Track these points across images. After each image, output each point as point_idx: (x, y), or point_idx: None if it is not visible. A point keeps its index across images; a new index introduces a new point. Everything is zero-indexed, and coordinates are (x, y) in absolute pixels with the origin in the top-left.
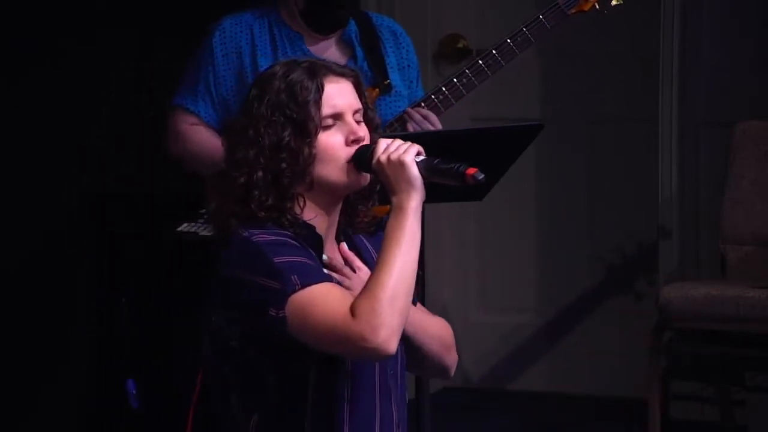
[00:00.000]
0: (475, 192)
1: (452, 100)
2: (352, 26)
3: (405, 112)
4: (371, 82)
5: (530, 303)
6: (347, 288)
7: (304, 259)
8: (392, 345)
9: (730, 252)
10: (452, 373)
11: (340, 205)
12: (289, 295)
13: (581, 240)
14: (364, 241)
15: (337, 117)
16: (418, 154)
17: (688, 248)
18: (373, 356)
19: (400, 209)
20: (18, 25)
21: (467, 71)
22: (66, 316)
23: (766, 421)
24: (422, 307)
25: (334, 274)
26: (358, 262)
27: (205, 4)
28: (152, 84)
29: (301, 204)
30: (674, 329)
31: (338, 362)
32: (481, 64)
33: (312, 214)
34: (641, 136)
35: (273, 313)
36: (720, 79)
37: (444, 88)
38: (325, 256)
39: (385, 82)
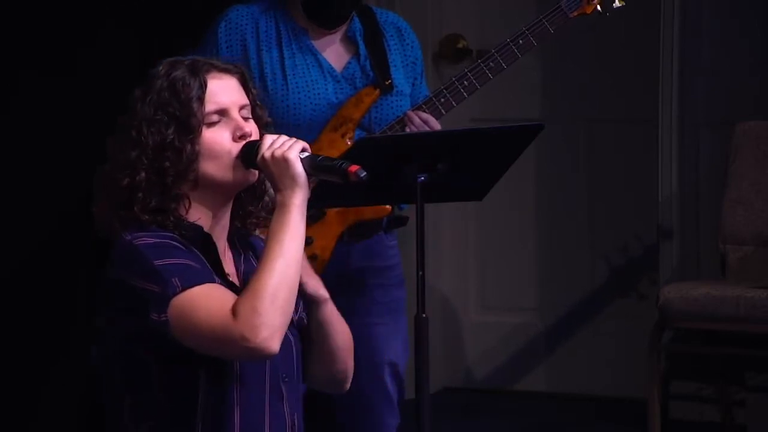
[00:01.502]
0: (474, 192)
1: (453, 102)
2: (357, 23)
3: (405, 115)
4: (373, 81)
5: (530, 303)
6: None
7: (187, 261)
8: (274, 344)
9: (730, 252)
10: (348, 385)
11: (229, 205)
12: (171, 298)
13: (581, 240)
14: (261, 243)
15: (222, 113)
16: (303, 150)
17: (688, 248)
18: (255, 356)
19: (284, 206)
20: (18, 25)
21: (468, 74)
22: (66, 316)
23: (766, 421)
24: (333, 304)
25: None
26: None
27: (207, 4)
28: None
29: (186, 205)
30: (674, 329)
31: (227, 366)
32: (482, 67)
33: (198, 215)
34: (641, 136)
35: (155, 317)
36: (720, 79)
37: (445, 90)
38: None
39: (387, 82)
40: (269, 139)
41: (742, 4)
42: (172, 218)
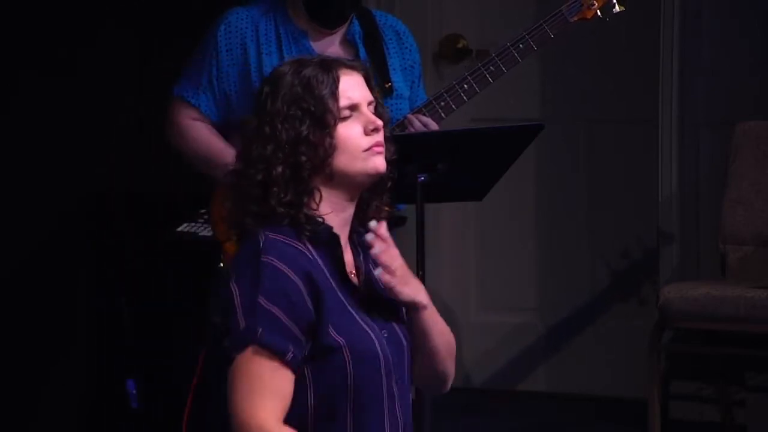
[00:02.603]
0: (474, 192)
1: (453, 106)
2: (356, 26)
3: (405, 118)
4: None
5: (530, 303)
6: (387, 264)
7: (285, 320)
8: None
9: (730, 252)
10: (449, 385)
11: (355, 200)
12: (245, 343)
13: (581, 240)
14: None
15: (354, 108)
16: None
17: (688, 248)
18: None
19: None
20: (18, 25)
21: (469, 77)
22: (66, 316)
23: (766, 421)
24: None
25: (378, 247)
26: (391, 242)
27: (207, 4)
28: (153, 85)
29: (318, 199)
30: (674, 329)
31: (337, 376)
32: (482, 71)
33: (328, 209)
34: (641, 136)
35: (226, 344)
36: (720, 79)
37: (445, 94)
38: (372, 223)
39: (387, 85)
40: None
41: (742, 4)
42: (305, 211)
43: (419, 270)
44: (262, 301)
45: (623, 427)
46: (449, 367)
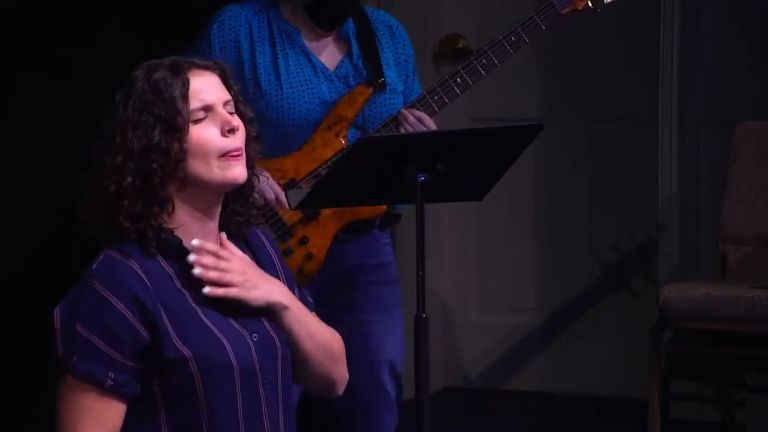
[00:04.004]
0: (474, 192)
1: (447, 100)
2: (349, 22)
3: (399, 113)
4: (366, 79)
5: (530, 303)
6: (218, 279)
7: (99, 343)
8: None
9: (730, 252)
10: (340, 390)
11: (218, 206)
12: (63, 372)
13: (581, 240)
14: (260, 234)
15: (208, 109)
16: None
17: (688, 248)
18: None
19: None
20: (18, 25)
21: (462, 71)
22: None
23: (766, 421)
24: (316, 316)
25: (204, 264)
26: (234, 250)
27: (207, 4)
28: None
29: (170, 210)
30: (674, 329)
31: (188, 387)
32: (475, 64)
33: (182, 219)
34: (641, 136)
35: (54, 363)
36: (720, 79)
37: (439, 88)
38: (195, 241)
39: (380, 80)
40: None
41: (742, 4)
42: (154, 224)
43: (419, 270)
44: (79, 328)
45: (623, 427)
46: (334, 371)
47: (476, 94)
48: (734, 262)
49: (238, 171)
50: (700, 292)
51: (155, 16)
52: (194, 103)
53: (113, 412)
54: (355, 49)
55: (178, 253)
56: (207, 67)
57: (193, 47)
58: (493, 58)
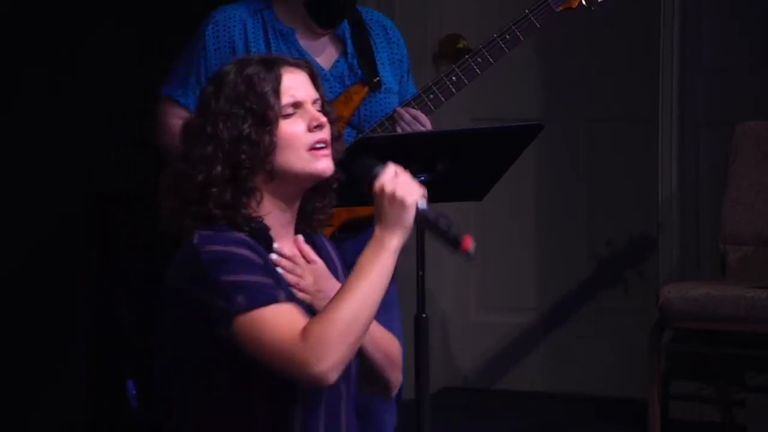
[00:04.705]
0: (474, 192)
1: (442, 98)
2: (344, 22)
3: (395, 111)
4: (361, 78)
5: (530, 303)
6: (295, 283)
7: (254, 278)
8: (333, 376)
9: (730, 252)
10: (393, 393)
11: (298, 202)
12: (234, 316)
13: (581, 240)
14: (326, 242)
15: (297, 105)
16: (423, 196)
17: (688, 248)
18: (312, 383)
19: (381, 245)
20: (18, 25)
21: (457, 69)
22: (66, 316)
23: (766, 421)
24: (375, 320)
25: (283, 267)
26: (312, 256)
27: (207, 5)
28: (154, 85)
29: (258, 198)
30: (674, 329)
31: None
32: (470, 63)
33: (269, 209)
34: (641, 136)
35: (219, 331)
36: (720, 79)
37: (434, 87)
38: (276, 245)
39: (375, 80)
40: (392, 171)
41: (742, 4)
42: (243, 212)
43: (419, 270)
44: (224, 278)
45: (623, 427)
46: (392, 375)
47: (476, 94)
48: (734, 262)
49: (325, 164)
50: (700, 292)
51: (155, 16)
52: (285, 99)
53: (297, 309)
54: (350, 48)
55: (268, 240)
56: (297, 65)
57: (187, 49)
58: (488, 57)
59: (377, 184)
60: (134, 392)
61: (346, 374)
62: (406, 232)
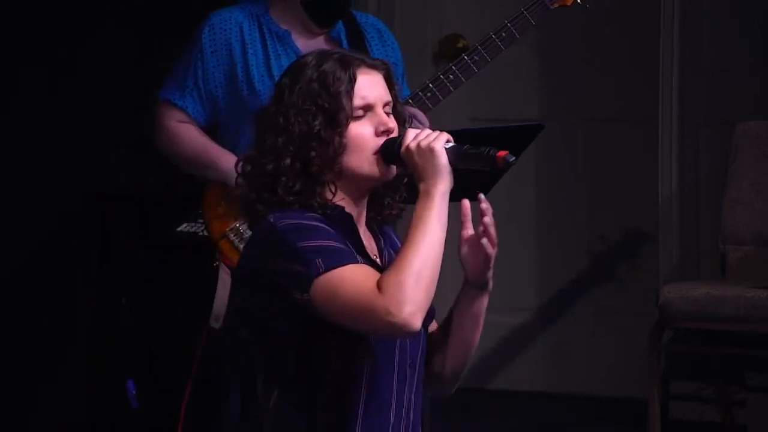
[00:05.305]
0: (474, 192)
1: (440, 96)
2: (340, 24)
3: None
4: None
5: (530, 303)
6: (492, 233)
7: (330, 242)
8: (417, 321)
9: (730, 252)
10: (453, 389)
11: (366, 197)
12: (314, 278)
13: (581, 240)
14: (392, 234)
15: (368, 108)
16: (447, 141)
17: (688, 248)
18: (398, 332)
19: (427, 194)
20: (18, 24)
21: (454, 68)
22: (66, 316)
23: (766, 421)
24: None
25: (485, 212)
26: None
27: (207, 5)
28: (154, 85)
29: (333, 190)
30: (674, 329)
31: (361, 343)
32: (467, 61)
33: (340, 200)
34: (641, 136)
35: (298, 296)
36: (720, 79)
37: (431, 85)
38: (481, 195)
39: None
40: (413, 131)
41: (742, 4)
42: (318, 199)
43: None
44: (300, 244)
45: (623, 427)
46: (463, 368)
47: (475, 94)
48: (734, 262)
49: (389, 168)
50: (700, 292)
51: (155, 16)
52: (357, 101)
53: (373, 270)
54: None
55: (348, 223)
56: (374, 66)
57: (184, 52)
58: (485, 55)
59: (403, 148)
60: (134, 392)
61: (409, 360)
62: (446, 175)
